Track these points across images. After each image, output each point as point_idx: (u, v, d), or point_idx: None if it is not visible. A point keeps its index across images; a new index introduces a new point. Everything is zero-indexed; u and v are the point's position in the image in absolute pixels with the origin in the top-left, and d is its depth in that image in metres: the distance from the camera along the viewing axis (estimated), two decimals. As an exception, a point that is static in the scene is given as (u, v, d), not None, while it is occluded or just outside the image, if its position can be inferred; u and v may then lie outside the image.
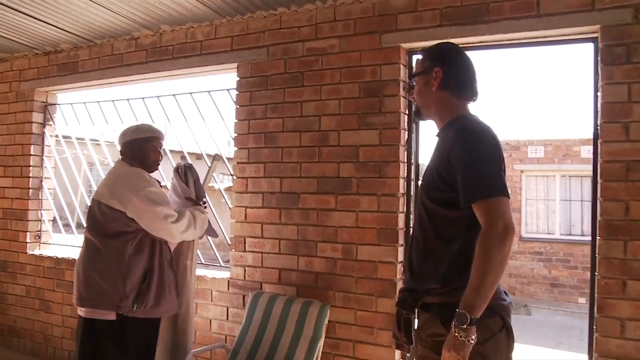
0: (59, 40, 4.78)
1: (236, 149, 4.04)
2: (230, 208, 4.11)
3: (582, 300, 10.31)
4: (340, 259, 3.57)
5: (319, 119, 3.69)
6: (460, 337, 1.83)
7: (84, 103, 5.12)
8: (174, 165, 3.50)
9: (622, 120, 2.87)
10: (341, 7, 3.66)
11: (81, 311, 3.06)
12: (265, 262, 3.86)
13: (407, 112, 3.53)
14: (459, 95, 2.18)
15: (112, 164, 3.43)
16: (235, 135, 4.04)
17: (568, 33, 3.06)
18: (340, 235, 3.58)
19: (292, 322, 3.47)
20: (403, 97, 3.47)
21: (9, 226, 5.30)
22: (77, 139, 5.46)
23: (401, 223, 3.45)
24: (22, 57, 5.32)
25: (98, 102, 5.04)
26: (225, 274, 4.10)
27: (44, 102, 5.30)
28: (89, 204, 3.27)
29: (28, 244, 5.18)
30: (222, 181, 15.36)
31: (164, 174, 4.09)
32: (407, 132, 3.53)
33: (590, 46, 3.06)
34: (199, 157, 3.77)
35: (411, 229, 3.39)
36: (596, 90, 2.99)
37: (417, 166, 3.57)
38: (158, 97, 4.66)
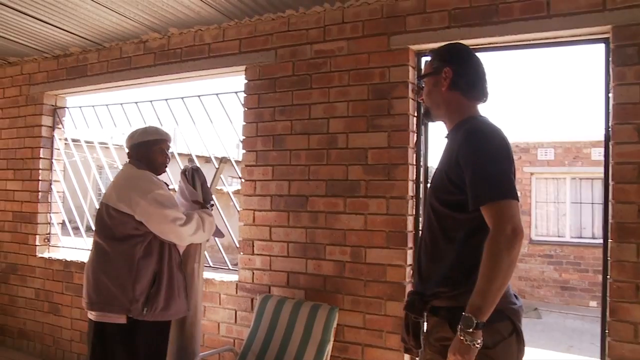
0: (68, 43, 4.79)
1: (244, 151, 4.03)
2: (238, 211, 4.10)
3: (593, 303, 10.23)
4: (349, 262, 3.55)
5: (327, 122, 3.68)
6: (466, 341, 1.81)
7: (93, 106, 5.14)
8: (181, 168, 3.50)
9: (634, 121, 2.83)
10: (349, 9, 3.65)
11: (91, 315, 3.05)
12: (273, 265, 3.85)
13: (415, 114, 3.51)
14: (469, 96, 2.16)
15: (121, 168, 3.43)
16: (244, 137, 4.04)
17: (579, 34, 3.03)
18: (348, 238, 3.56)
19: (300, 326, 3.45)
20: (412, 99, 3.45)
21: (18, 229, 5.32)
22: (86, 142, 5.48)
23: (410, 226, 3.43)
24: (32, 61, 5.34)
25: (107, 105, 5.06)
26: (234, 277, 4.09)
27: (53, 105, 5.32)
28: (97, 207, 3.27)
29: (37, 247, 5.20)
30: (230, 184, 15.40)
31: (172, 177, 4.10)
32: (416, 135, 3.50)
33: (601, 47, 3.03)
34: (207, 160, 3.76)
35: (420, 232, 3.37)
36: (607, 92, 2.96)
37: (426, 168, 3.55)
38: (166, 100, 4.67)
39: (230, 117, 4.28)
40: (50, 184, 5.29)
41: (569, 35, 3.07)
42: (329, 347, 3.37)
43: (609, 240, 2.90)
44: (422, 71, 2.37)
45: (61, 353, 4.98)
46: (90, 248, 3.19)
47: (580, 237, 11.10)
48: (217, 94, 4.36)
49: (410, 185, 3.44)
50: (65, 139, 5.46)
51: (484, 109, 2.22)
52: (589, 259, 10.64)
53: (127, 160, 3.29)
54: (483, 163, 1.92)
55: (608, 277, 2.89)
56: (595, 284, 10.34)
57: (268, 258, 3.87)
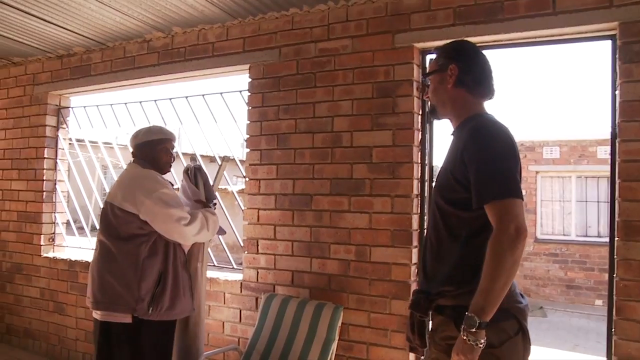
0: (72, 43, 4.79)
1: (248, 150, 4.02)
2: (242, 210, 4.09)
3: (599, 302, 10.20)
4: (353, 261, 3.54)
5: (331, 120, 3.67)
6: (469, 340, 1.80)
7: (97, 106, 5.14)
8: (184, 167, 3.49)
9: (641, 118, 2.81)
10: (353, 7, 3.63)
11: (96, 314, 3.05)
12: (278, 264, 3.84)
13: (420, 113, 3.49)
14: (475, 93, 2.14)
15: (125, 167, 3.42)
16: (248, 136, 4.03)
17: (585, 30, 3.01)
18: (353, 237, 3.55)
19: (305, 325, 3.44)
20: (416, 97, 3.44)
21: (23, 229, 5.33)
22: (91, 142, 5.48)
23: (415, 224, 3.42)
24: (36, 61, 5.35)
25: (110, 105, 5.06)
26: (238, 276, 4.09)
27: (57, 105, 5.33)
28: (102, 206, 3.27)
29: (42, 247, 5.21)
30: (235, 183, 15.40)
31: (176, 176, 4.09)
32: (420, 133, 3.49)
33: (608, 44, 3.00)
34: (212, 159, 3.76)
35: (425, 231, 3.36)
36: (614, 89, 2.94)
37: (431, 167, 3.53)
38: (170, 99, 4.67)
39: (234, 116, 4.28)
40: (55, 184, 5.29)
41: (575, 32, 3.05)
42: (334, 345, 3.36)
43: (616, 239, 2.88)
44: (428, 69, 2.34)
45: (66, 352, 4.99)
46: (95, 247, 3.19)
47: (586, 236, 11.07)
48: (221, 93, 4.36)
49: (415, 184, 3.42)
50: (70, 139, 5.47)
51: (489, 108, 2.21)
52: (594, 258, 10.61)
53: (132, 159, 3.29)
54: (488, 161, 1.91)
55: (614, 275, 2.87)
56: (600, 282, 10.31)
57: (272, 257, 3.86)
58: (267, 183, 3.91)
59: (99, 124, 5.19)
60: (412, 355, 3.37)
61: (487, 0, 3.19)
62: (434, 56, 2.29)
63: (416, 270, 3.39)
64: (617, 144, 2.91)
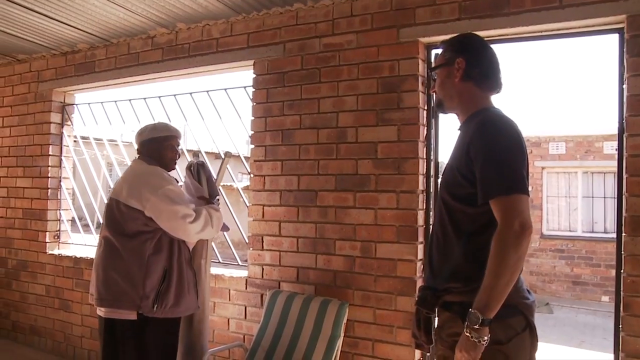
0: (76, 40, 4.79)
1: (253, 146, 4.01)
2: (247, 206, 4.08)
3: (605, 298, 10.16)
4: (359, 257, 3.53)
5: (336, 116, 3.65)
6: (472, 337, 1.79)
7: (101, 103, 5.14)
8: (187, 163, 3.48)
9: (649, 113, 2.78)
10: (358, 2, 3.61)
11: (100, 311, 3.04)
12: (283, 261, 3.83)
13: (426, 108, 3.47)
14: (482, 87, 2.12)
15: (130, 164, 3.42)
16: (252, 132, 4.02)
17: (592, 24, 2.98)
18: (358, 233, 3.53)
19: (310, 321, 3.44)
20: (422, 92, 3.42)
21: (28, 226, 5.34)
22: (95, 139, 5.48)
23: (421, 220, 3.40)
24: (40, 58, 5.35)
25: (115, 101, 5.05)
26: (243, 273, 4.08)
27: (62, 102, 5.33)
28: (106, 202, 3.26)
29: (47, 244, 5.22)
30: (240, 180, 15.40)
31: (181, 173, 4.08)
32: (426, 128, 3.47)
33: (615, 37, 2.98)
34: (217, 156, 3.75)
35: (431, 226, 3.34)
36: (621, 83, 2.91)
37: (437, 162, 3.51)
38: (175, 95, 4.66)
39: (239, 112, 4.27)
40: (60, 181, 5.29)
41: (582, 26, 3.02)
42: (339, 342, 3.35)
43: (623, 234, 2.86)
44: (435, 62, 2.32)
45: (72, 349, 5.00)
46: (98, 243, 3.18)
47: (592, 232, 11.02)
48: (225, 89, 4.34)
49: (421, 179, 3.40)
50: (75, 137, 5.46)
51: (495, 103, 2.18)
52: (601, 254, 10.56)
53: (137, 156, 3.28)
54: (494, 156, 1.89)
55: (622, 271, 2.85)
56: (607, 278, 10.27)
57: (277, 253, 3.85)
58: (272, 179, 3.90)
59: (103, 121, 5.20)
60: (417, 352, 3.36)
61: (493, -6, 3.17)
62: (441, 50, 2.27)
63: (422, 267, 3.37)
64: (624, 139, 2.88)
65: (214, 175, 3.52)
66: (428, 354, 3.31)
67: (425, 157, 3.46)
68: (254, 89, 4.04)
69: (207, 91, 4.44)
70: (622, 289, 2.84)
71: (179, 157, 3.35)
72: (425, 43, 3.46)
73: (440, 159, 3.54)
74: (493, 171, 1.87)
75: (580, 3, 2.93)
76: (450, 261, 2.04)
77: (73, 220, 5.45)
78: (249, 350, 3.58)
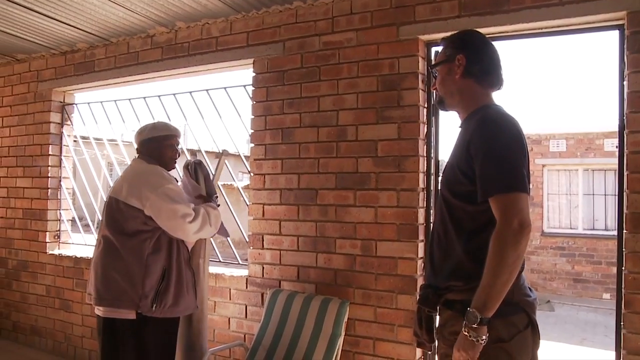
0: (76, 39, 4.78)
1: (253, 145, 4.00)
2: (248, 205, 4.07)
3: (607, 295, 10.15)
4: (359, 256, 3.52)
5: (336, 114, 3.64)
6: (470, 336, 1.79)
7: (101, 102, 5.14)
8: (184, 163, 3.48)
9: (650, 109, 2.78)
10: (357, 0, 3.60)
11: (99, 310, 3.03)
12: (283, 260, 3.83)
13: (426, 105, 3.46)
14: (483, 84, 2.11)
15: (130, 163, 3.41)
16: (252, 131, 4.01)
17: (592, 21, 2.97)
18: (359, 232, 3.53)
19: (311, 320, 3.43)
20: (422, 90, 3.41)
21: (28, 226, 5.33)
22: (95, 139, 5.47)
23: (421, 218, 3.39)
24: (40, 57, 5.34)
25: (115, 101, 5.05)
26: (244, 272, 4.08)
27: (61, 102, 5.32)
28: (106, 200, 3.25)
29: (47, 244, 5.21)
30: (240, 179, 15.40)
31: (181, 172, 4.07)
32: (426, 126, 3.46)
33: (615, 34, 2.97)
34: (217, 155, 3.75)
35: (431, 224, 3.34)
36: (622, 80, 2.90)
37: (437, 160, 3.50)
38: (174, 94, 4.65)
39: (238, 111, 4.26)
40: (60, 181, 5.29)
41: (582, 23, 3.01)
42: (340, 341, 3.34)
43: (624, 231, 2.86)
44: (436, 59, 2.32)
45: (73, 349, 4.99)
46: (97, 242, 3.17)
47: (593, 229, 11.01)
48: (225, 88, 4.33)
49: (421, 177, 3.40)
50: (75, 137, 5.46)
51: (495, 100, 2.18)
52: (602, 251, 10.55)
53: (136, 155, 3.27)
54: (493, 153, 1.88)
55: (623, 268, 2.84)
56: (608, 276, 10.26)
57: (278, 252, 3.85)
58: (272, 178, 3.89)
59: (103, 121, 5.19)
60: (419, 351, 3.35)
61: (493, -9, 3.16)
62: (441, 47, 2.26)
63: (422, 265, 3.37)
64: (625, 136, 2.87)
65: (212, 174, 3.52)
66: (429, 352, 3.33)
67: (425, 154, 3.45)
68: (253, 88, 4.03)
69: (207, 90, 4.44)
70: (623, 286, 2.83)
71: (178, 156, 3.35)
72: (425, 40, 3.46)
73: (440, 157, 3.53)
74: (493, 169, 1.87)
75: (580, 0, 2.92)
76: (451, 259, 2.03)
77: (73, 220, 5.45)
78: (249, 349, 3.58)
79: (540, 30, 3.15)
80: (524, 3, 3.06)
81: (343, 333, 3.37)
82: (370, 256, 3.48)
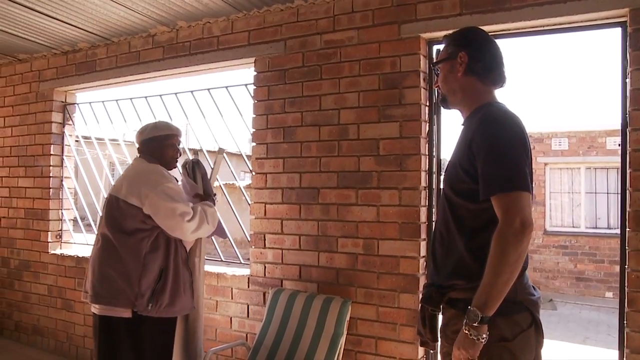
0: (77, 39, 4.78)
1: (254, 144, 3.99)
2: (249, 204, 4.07)
3: (609, 294, 10.14)
4: (361, 255, 3.51)
5: (338, 113, 3.64)
6: (471, 335, 1.78)
7: (102, 102, 5.13)
8: (182, 162, 3.47)
9: (652, 107, 2.76)
10: (359, -2, 3.60)
11: (95, 308, 3.03)
12: (285, 259, 3.82)
13: (427, 104, 3.45)
14: (486, 81, 2.10)
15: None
16: (254, 130, 4.00)
17: (594, 18, 2.96)
18: (361, 230, 3.52)
19: (313, 319, 3.42)
20: (423, 88, 3.40)
21: (30, 226, 5.33)
22: (97, 139, 5.47)
23: (423, 217, 3.38)
24: (41, 57, 5.34)
25: (116, 100, 5.04)
26: (246, 271, 4.07)
27: (63, 101, 5.32)
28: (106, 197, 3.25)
29: (49, 244, 5.21)
30: (242, 179, 15.39)
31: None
32: (428, 124, 3.45)
33: (618, 31, 2.95)
34: (221, 152, 3.73)
35: (434, 223, 3.33)
36: (624, 77, 2.89)
37: (439, 159, 3.50)
38: (176, 94, 4.64)
39: (240, 110, 4.25)
40: (62, 181, 5.29)
41: (584, 20, 3.00)
42: (342, 340, 3.33)
43: (627, 230, 2.85)
44: (438, 57, 2.31)
45: (75, 349, 4.99)
46: (95, 240, 3.17)
47: (596, 228, 11.00)
48: (226, 87, 4.33)
49: (423, 176, 3.39)
50: (77, 137, 5.46)
51: (498, 99, 2.16)
52: (604, 250, 10.55)
53: (138, 155, 3.27)
54: (495, 152, 1.87)
55: (626, 267, 2.83)
56: (611, 274, 10.25)
57: (280, 251, 3.84)
58: (274, 177, 3.88)
59: (104, 120, 5.19)
60: (421, 350, 3.34)
61: (495, -12, 3.15)
62: (443, 44, 2.25)
63: (425, 263, 3.36)
64: (627, 133, 2.86)
65: (209, 173, 3.51)
66: (432, 351, 3.32)
67: (427, 153, 3.44)
68: (255, 87, 4.02)
69: (208, 89, 4.43)
70: (626, 284, 2.82)
71: (179, 155, 3.35)
72: (426, 39, 3.45)
73: (442, 155, 3.52)
74: (494, 167, 1.86)
75: (583, -3, 2.91)
76: (453, 257, 2.02)
77: (75, 220, 5.44)
78: (251, 348, 3.57)
79: (542, 28, 3.14)
80: (526, 0, 3.05)
81: (345, 332, 3.36)
82: (372, 255, 3.48)
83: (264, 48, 3.95)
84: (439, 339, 2.12)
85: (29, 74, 5.46)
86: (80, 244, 5.33)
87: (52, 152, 5.21)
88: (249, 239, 4.03)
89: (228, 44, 4.14)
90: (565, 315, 9.05)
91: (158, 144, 3.23)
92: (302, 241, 3.75)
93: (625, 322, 2.82)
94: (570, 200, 11.32)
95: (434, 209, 3.42)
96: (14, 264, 5.47)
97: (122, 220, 3.00)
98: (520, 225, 1.76)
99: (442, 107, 3.17)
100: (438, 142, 3.49)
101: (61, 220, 5.30)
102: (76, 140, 5.48)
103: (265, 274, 3.90)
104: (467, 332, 1.79)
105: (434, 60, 3.14)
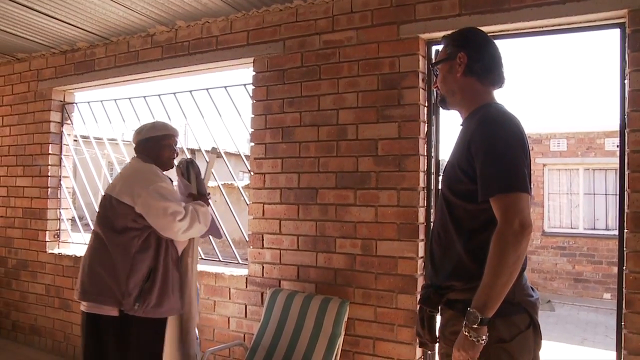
0: (76, 38, 4.78)
1: (253, 144, 3.99)
2: (248, 205, 4.07)
3: (607, 295, 10.13)
4: (359, 255, 3.51)
5: (336, 113, 3.64)
6: (470, 336, 1.78)
7: (101, 101, 5.13)
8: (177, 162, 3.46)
9: (651, 108, 2.76)
10: (358, -2, 3.60)
11: (83, 306, 3.03)
12: (283, 259, 3.82)
13: (426, 104, 3.45)
14: (484, 82, 2.09)
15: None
16: (252, 130, 4.00)
17: (593, 19, 2.96)
18: (359, 231, 3.52)
19: (311, 320, 3.42)
20: (422, 88, 3.40)
21: (28, 225, 5.33)
22: (96, 138, 5.47)
23: (421, 217, 3.38)
24: (40, 56, 5.33)
25: (115, 100, 5.04)
26: (244, 271, 4.07)
27: (61, 101, 5.32)
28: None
29: (47, 243, 5.21)
30: (241, 179, 15.38)
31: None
32: (426, 125, 3.45)
33: (616, 32, 2.96)
34: (218, 155, 3.73)
35: (432, 223, 3.33)
36: (623, 78, 2.89)
37: (437, 159, 3.49)
38: (174, 93, 4.64)
39: (239, 110, 4.25)
40: (60, 180, 5.28)
41: (583, 21, 3.00)
42: (340, 341, 3.33)
43: (625, 231, 2.85)
44: (437, 57, 2.30)
45: (72, 349, 4.98)
46: (90, 238, 3.17)
47: (594, 229, 11.00)
48: (225, 87, 4.32)
49: (422, 177, 3.39)
50: (75, 136, 5.45)
51: (497, 98, 2.16)
52: (602, 251, 10.54)
53: (135, 154, 3.27)
54: (494, 153, 1.87)
55: (624, 268, 2.83)
56: (609, 276, 10.24)
57: (278, 251, 3.84)
58: (272, 177, 3.88)
59: (103, 120, 5.18)
60: (419, 350, 3.34)
61: (494, -11, 3.15)
62: (442, 45, 2.25)
63: (423, 264, 3.36)
64: (626, 135, 2.86)
65: (203, 173, 3.51)
66: (431, 352, 3.32)
67: (426, 154, 3.44)
68: (253, 87, 4.02)
69: (207, 89, 4.43)
70: (624, 286, 2.82)
71: (176, 156, 3.35)
72: (425, 39, 3.45)
73: (441, 156, 3.52)
74: (493, 169, 1.85)
75: (582, -2, 2.91)
76: (451, 258, 2.02)
77: (73, 220, 5.44)
78: (249, 349, 3.57)
79: (541, 29, 3.14)
80: (525, 1, 3.05)
81: (343, 333, 3.36)
82: (370, 255, 3.47)
83: (263, 48, 3.95)
84: (438, 339, 2.12)
85: (28, 73, 5.45)
86: (78, 243, 5.32)
87: (50, 152, 5.20)
88: (247, 239, 4.03)
89: (227, 44, 4.14)
90: (563, 317, 9.05)
91: (155, 144, 3.23)
92: (300, 241, 3.75)
93: (623, 323, 2.82)
94: (568, 201, 11.32)
95: (432, 210, 3.42)
96: (11, 264, 5.46)
97: (114, 218, 3.00)
98: (519, 226, 1.76)
99: (441, 108, 3.17)
100: (437, 143, 3.49)
101: (59, 219, 5.29)
102: (74, 140, 5.47)
103: (263, 274, 3.90)
104: (466, 333, 1.79)
105: (433, 61, 3.14)
